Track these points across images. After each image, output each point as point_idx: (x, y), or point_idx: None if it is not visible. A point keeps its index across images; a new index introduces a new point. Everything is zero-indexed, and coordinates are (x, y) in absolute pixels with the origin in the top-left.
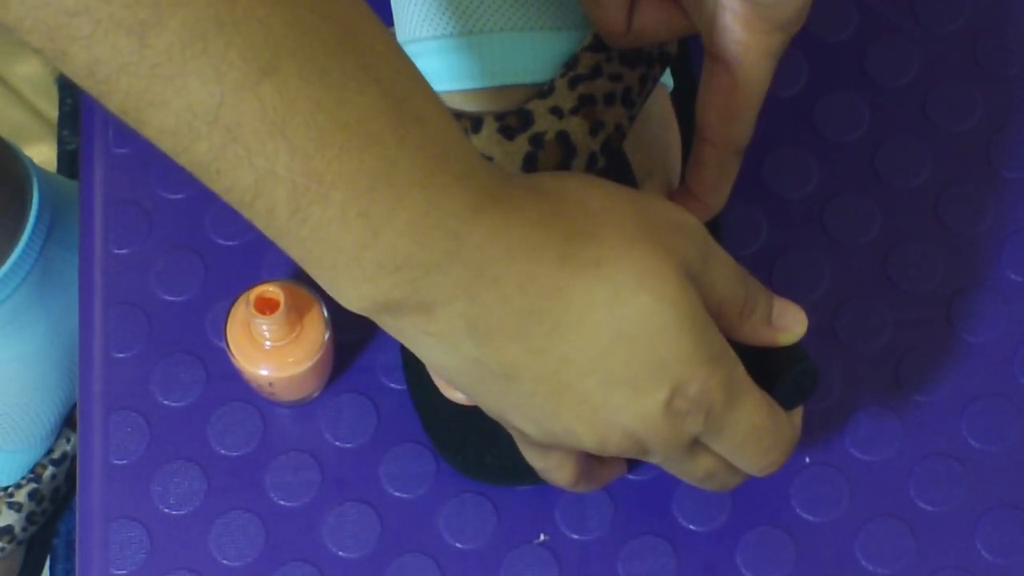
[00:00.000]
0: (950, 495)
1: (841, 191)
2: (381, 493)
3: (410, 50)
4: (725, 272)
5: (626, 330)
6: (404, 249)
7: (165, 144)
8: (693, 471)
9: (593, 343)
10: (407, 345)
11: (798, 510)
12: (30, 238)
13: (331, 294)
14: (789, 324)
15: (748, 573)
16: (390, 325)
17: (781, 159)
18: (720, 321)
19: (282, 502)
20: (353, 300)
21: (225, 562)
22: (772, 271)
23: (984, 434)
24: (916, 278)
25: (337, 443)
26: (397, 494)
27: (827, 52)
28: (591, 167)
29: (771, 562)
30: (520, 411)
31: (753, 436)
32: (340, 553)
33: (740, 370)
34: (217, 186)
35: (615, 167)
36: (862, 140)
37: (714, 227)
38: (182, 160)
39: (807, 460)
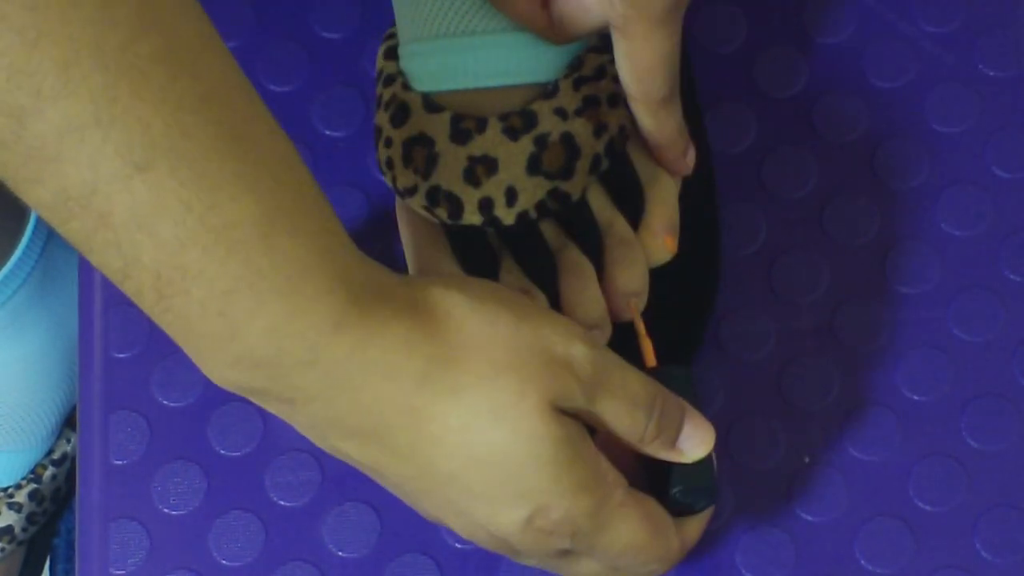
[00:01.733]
0: (949, 495)
1: (841, 191)
2: (381, 493)
3: (412, 50)
4: (620, 406)
5: (481, 457)
6: (262, 351)
7: (43, 215)
8: (573, 573)
9: (449, 461)
10: None
11: (798, 510)
12: (31, 239)
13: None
14: (693, 448)
15: (748, 573)
16: (261, 404)
17: (781, 159)
18: (619, 441)
19: (282, 502)
20: (219, 381)
21: (225, 562)
22: (771, 271)
23: (984, 434)
24: (915, 278)
25: None
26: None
27: (826, 52)
28: (595, 169)
29: (771, 562)
30: (399, 493)
31: (629, 552)
32: (340, 553)
33: (616, 495)
34: (92, 261)
35: (618, 169)
36: (861, 140)
37: (713, 227)
38: (59, 232)
39: (807, 460)
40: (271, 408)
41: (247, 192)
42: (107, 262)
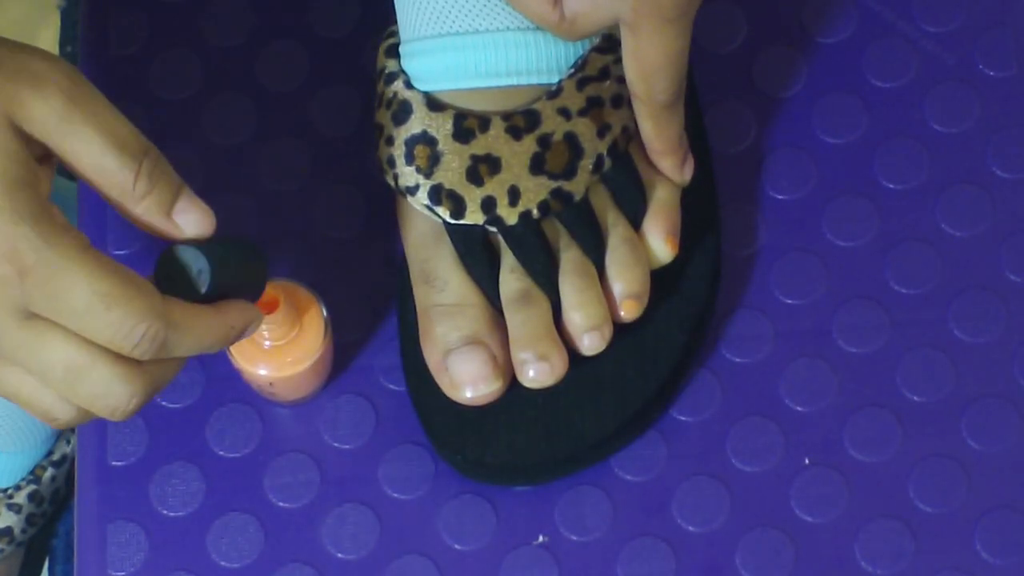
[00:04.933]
0: (949, 496)
1: (840, 191)
2: (380, 494)
3: (415, 48)
4: (97, 138)
5: None
6: None
7: None
8: (43, 361)
9: None
10: None
11: (798, 511)
12: None
13: None
14: (189, 224)
15: (748, 573)
16: None
17: (781, 159)
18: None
19: (281, 503)
20: None
21: (224, 564)
22: (771, 272)
23: (984, 435)
24: (915, 279)
25: (336, 444)
26: (396, 495)
27: (826, 52)
28: (597, 169)
29: (771, 563)
30: None
31: (97, 306)
32: (339, 555)
33: (68, 240)
34: None
35: (621, 170)
36: (861, 141)
37: (713, 227)
38: None
39: (807, 461)
40: None
41: None
42: None
